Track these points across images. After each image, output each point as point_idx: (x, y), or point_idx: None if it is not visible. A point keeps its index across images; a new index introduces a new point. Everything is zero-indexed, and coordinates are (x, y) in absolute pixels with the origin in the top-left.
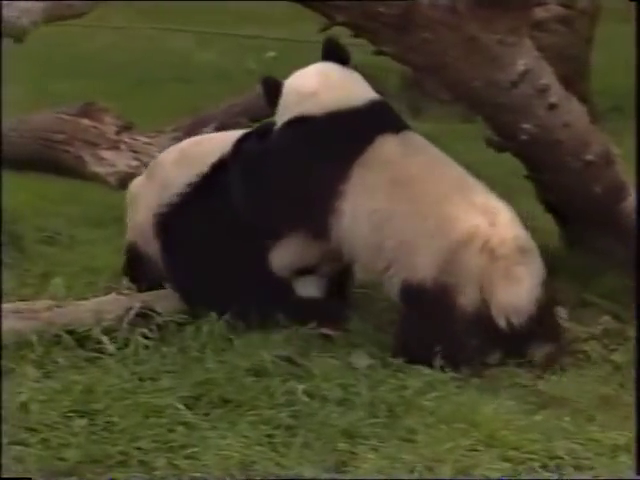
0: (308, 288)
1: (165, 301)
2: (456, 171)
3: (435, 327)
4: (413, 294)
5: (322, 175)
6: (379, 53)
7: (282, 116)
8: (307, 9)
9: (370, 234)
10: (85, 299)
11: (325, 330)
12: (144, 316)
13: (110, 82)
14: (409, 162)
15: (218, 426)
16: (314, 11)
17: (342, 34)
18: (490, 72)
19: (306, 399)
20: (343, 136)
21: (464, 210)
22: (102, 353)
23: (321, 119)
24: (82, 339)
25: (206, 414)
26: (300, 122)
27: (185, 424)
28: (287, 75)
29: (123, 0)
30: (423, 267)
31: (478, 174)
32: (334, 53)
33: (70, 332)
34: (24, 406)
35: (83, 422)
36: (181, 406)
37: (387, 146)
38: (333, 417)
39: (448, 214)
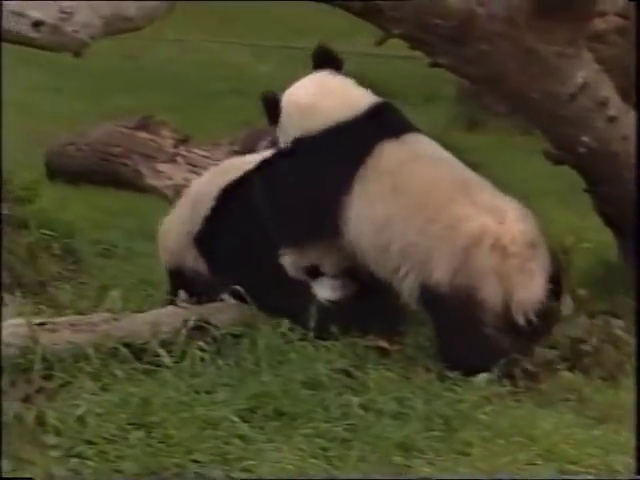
0: (324, 290)
1: (221, 314)
2: (459, 171)
3: (467, 331)
4: (433, 299)
5: (328, 189)
6: (435, 65)
7: (285, 131)
8: (364, 22)
9: (374, 239)
10: (142, 312)
11: (381, 343)
12: (200, 329)
13: (168, 95)
14: (409, 168)
15: (274, 439)
16: (371, 23)
17: (398, 45)
18: (549, 84)
19: (361, 412)
20: (343, 150)
21: (470, 210)
22: (159, 366)
23: (321, 136)
24: (139, 352)
25: (262, 427)
26: (303, 141)
27: (241, 437)
28: None
29: (180, 13)
30: (437, 270)
31: (536, 187)
32: (327, 60)
33: (127, 345)
34: (81, 419)
35: (140, 434)
36: (237, 419)
37: (386, 154)
38: (388, 430)
39: (455, 215)
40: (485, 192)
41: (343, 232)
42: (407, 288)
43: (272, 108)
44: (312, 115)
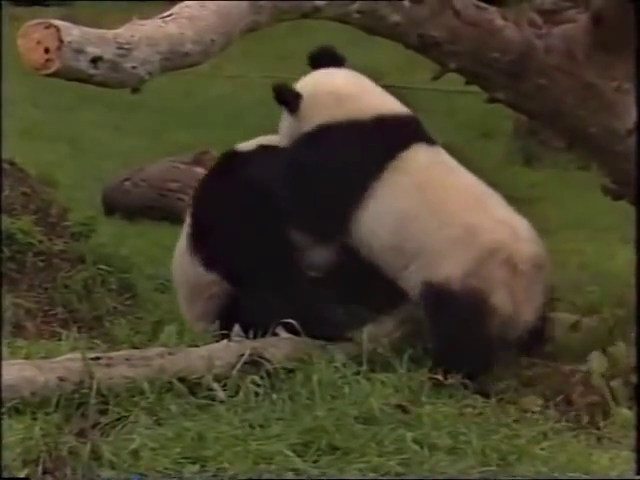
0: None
1: (275, 348)
2: (476, 183)
3: (473, 331)
4: (441, 295)
5: (358, 174)
6: (493, 100)
7: (314, 118)
8: (420, 57)
9: (391, 233)
10: (197, 346)
11: (437, 376)
12: (254, 363)
13: (225, 131)
14: (437, 170)
15: (327, 473)
16: (428, 58)
17: (456, 80)
18: (607, 119)
19: (415, 447)
20: (383, 139)
21: (487, 221)
22: (213, 400)
23: (365, 122)
24: (194, 386)
25: (315, 461)
26: (344, 125)
27: (294, 470)
28: None
29: (238, 49)
30: (449, 269)
31: (594, 222)
32: (331, 60)
33: (182, 379)
34: (135, 453)
35: (194, 469)
36: (290, 453)
37: (420, 154)
38: (442, 465)
39: (472, 223)
40: (500, 207)
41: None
42: (413, 284)
43: (292, 98)
44: (354, 104)
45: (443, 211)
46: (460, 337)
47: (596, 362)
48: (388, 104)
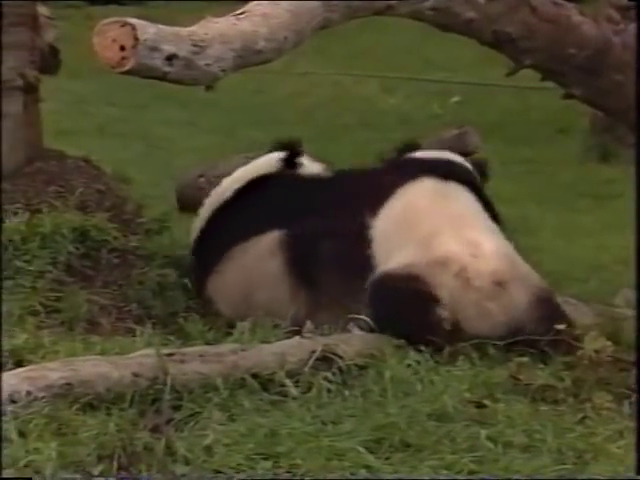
0: None
1: (347, 345)
2: (463, 210)
3: (409, 298)
4: (381, 278)
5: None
6: (569, 97)
7: None
8: (495, 53)
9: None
10: (269, 343)
11: (513, 373)
12: (326, 359)
13: (297, 128)
14: (426, 199)
15: (400, 470)
16: (502, 54)
17: (531, 76)
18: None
19: (489, 444)
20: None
21: (448, 239)
22: (285, 396)
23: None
24: (266, 382)
25: (387, 457)
26: None
27: (367, 467)
28: (472, 119)
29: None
30: (395, 264)
31: None
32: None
33: (254, 375)
34: (209, 449)
35: (267, 465)
36: (363, 449)
37: (424, 184)
38: (517, 463)
39: (431, 239)
40: (474, 229)
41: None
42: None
43: None
44: None
45: (411, 232)
46: (399, 305)
47: None
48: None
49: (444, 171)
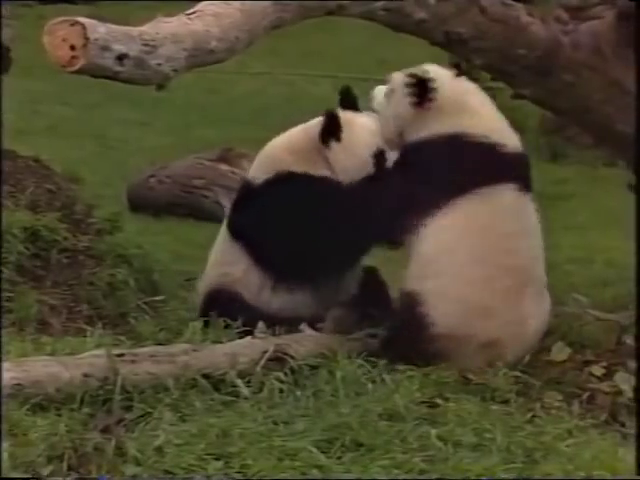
0: None
1: (299, 345)
2: (526, 257)
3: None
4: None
5: (438, 191)
6: (518, 97)
7: (434, 123)
8: (445, 53)
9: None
10: (221, 343)
11: (464, 373)
12: (278, 360)
13: (251, 128)
14: (503, 218)
15: (351, 469)
16: (454, 54)
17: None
18: (633, 116)
19: (439, 444)
20: (478, 165)
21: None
22: (237, 397)
23: (478, 139)
24: (218, 383)
25: (339, 457)
26: (458, 138)
27: (319, 467)
28: None
29: (263, 46)
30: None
31: (620, 219)
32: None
33: (206, 376)
34: (160, 449)
35: (218, 465)
36: (314, 449)
37: (499, 196)
38: (467, 462)
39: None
40: (527, 297)
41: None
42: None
43: (423, 91)
44: (472, 119)
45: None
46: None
47: (623, 384)
48: (502, 132)
49: (522, 175)
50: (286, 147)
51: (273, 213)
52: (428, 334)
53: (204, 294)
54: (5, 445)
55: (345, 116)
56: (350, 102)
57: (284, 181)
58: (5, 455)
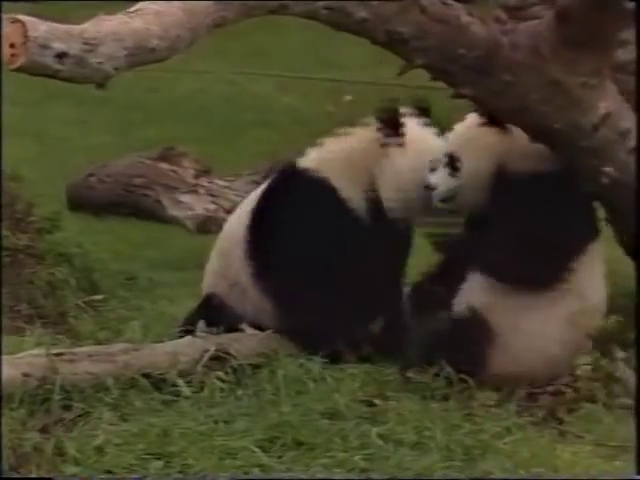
0: None
1: (240, 344)
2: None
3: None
4: None
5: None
6: (458, 96)
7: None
8: (387, 52)
9: None
10: (161, 342)
11: (405, 372)
12: (219, 359)
13: (192, 127)
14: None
15: (292, 468)
16: (394, 54)
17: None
18: (572, 115)
19: (380, 442)
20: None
21: None
22: (178, 396)
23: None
24: (158, 382)
25: (280, 456)
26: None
27: (260, 466)
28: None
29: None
30: None
31: None
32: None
33: (146, 375)
34: (99, 449)
35: (159, 465)
36: (256, 449)
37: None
38: (407, 460)
39: None
40: None
41: None
42: None
43: None
44: None
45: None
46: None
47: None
48: None
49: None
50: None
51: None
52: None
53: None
54: None
55: (410, 122)
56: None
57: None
58: None
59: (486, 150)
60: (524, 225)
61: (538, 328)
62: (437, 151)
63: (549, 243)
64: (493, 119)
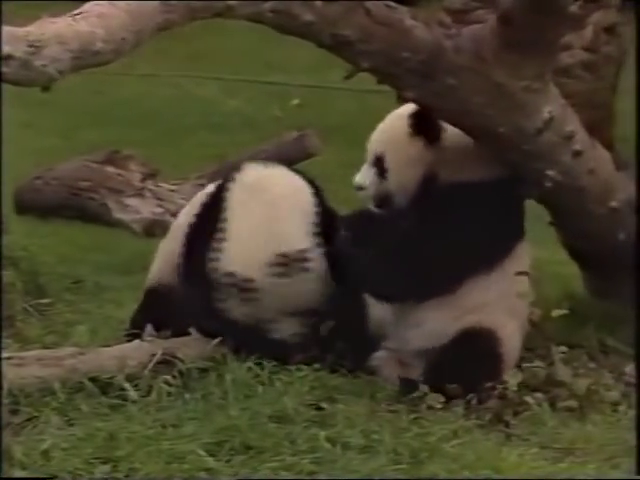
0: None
1: (188, 348)
2: None
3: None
4: None
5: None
6: (403, 100)
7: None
8: (333, 56)
9: None
10: (109, 346)
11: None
12: (167, 363)
13: (138, 130)
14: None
15: (240, 472)
16: (340, 57)
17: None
18: (516, 119)
19: (328, 446)
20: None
21: None
22: (125, 400)
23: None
24: (105, 386)
25: (228, 460)
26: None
27: (207, 470)
28: (312, 122)
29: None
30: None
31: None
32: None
33: (93, 379)
34: (46, 453)
35: (106, 469)
36: (203, 452)
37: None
38: (355, 464)
39: None
40: None
41: None
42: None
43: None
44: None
45: None
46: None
47: (512, 377)
48: None
49: None
50: None
51: None
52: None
53: None
54: None
55: None
56: None
57: None
58: None
59: (414, 159)
60: (428, 236)
61: None
62: None
63: (444, 256)
64: (421, 126)
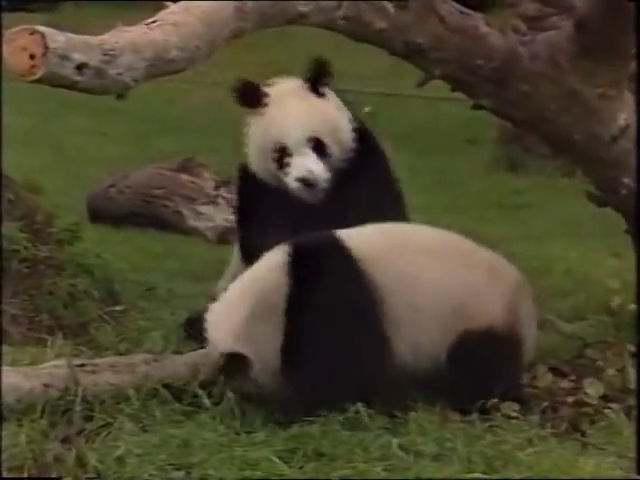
0: None
1: None
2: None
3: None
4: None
5: None
6: (478, 107)
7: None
8: (405, 63)
9: None
10: (182, 353)
11: None
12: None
13: (211, 138)
14: None
15: (313, 479)
16: (413, 65)
17: (441, 87)
18: (591, 126)
19: (401, 453)
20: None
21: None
22: (199, 407)
23: None
24: (178, 393)
25: (301, 467)
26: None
27: (280, 476)
28: (384, 129)
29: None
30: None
31: (579, 229)
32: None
33: (167, 386)
34: (120, 460)
35: (180, 475)
36: (276, 459)
37: None
38: (428, 471)
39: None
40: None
41: None
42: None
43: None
44: None
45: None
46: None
47: (591, 388)
48: None
49: None
50: None
51: None
52: None
53: None
54: None
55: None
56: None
57: None
58: None
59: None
60: None
61: None
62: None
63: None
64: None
